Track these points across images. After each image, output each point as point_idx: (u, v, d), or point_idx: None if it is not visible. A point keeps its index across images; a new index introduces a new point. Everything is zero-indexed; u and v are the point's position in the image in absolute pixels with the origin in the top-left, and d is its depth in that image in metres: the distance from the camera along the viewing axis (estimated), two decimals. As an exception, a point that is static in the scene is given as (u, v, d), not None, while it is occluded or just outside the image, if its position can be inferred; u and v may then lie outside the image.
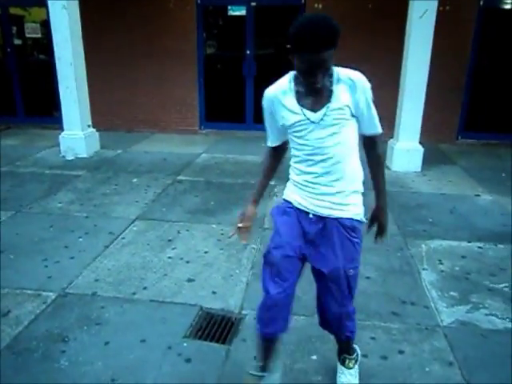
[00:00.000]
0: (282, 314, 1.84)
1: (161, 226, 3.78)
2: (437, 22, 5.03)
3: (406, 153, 5.46)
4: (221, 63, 7.34)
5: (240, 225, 1.91)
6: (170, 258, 3.24)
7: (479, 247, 3.48)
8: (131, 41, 7.05)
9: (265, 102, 1.75)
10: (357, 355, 2.09)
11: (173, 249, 3.37)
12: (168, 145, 6.58)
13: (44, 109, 7.74)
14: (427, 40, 5.06)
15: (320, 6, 6.53)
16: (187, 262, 3.18)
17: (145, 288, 2.84)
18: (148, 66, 7.15)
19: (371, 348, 2.32)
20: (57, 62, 5.66)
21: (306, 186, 1.75)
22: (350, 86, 1.63)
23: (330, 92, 1.62)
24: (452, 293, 2.84)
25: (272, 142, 1.87)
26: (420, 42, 5.09)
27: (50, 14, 5.50)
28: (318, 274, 1.82)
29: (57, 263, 3.16)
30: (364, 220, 1.86)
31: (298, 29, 1.48)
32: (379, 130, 1.78)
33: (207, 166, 5.54)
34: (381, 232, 2.02)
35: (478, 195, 4.68)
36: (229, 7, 6.92)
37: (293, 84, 1.67)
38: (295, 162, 1.78)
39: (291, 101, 1.66)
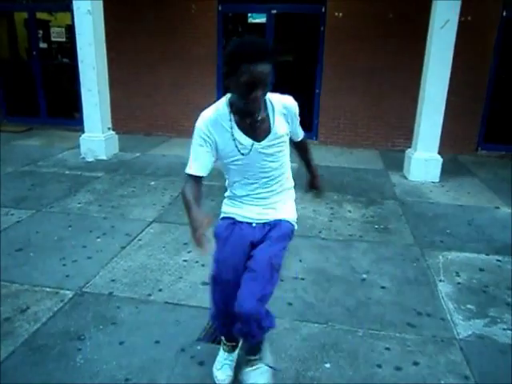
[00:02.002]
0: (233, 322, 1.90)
1: (177, 229, 3.81)
2: (458, 32, 5.00)
3: (424, 163, 5.40)
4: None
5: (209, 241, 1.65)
6: (185, 261, 3.26)
7: (498, 260, 3.42)
8: (152, 45, 7.17)
9: (202, 126, 1.68)
10: (260, 352, 2.00)
11: (188, 252, 3.39)
12: (185, 149, 6.56)
13: (66, 111, 7.91)
14: (448, 50, 5.03)
15: (340, 14, 6.54)
16: (202, 265, 3.20)
17: (160, 290, 2.87)
18: (168, 70, 7.25)
19: (385, 358, 2.29)
20: (80, 65, 5.78)
21: (247, 202, 1.87)
22: (285, 113, 1.75)
23: (270, 121, 1.71)
24: (469, 305, 2.80)
25: (197, 170, 1.72)
26: (441, 52, 5.06)
27: (75, 18, 5.64)
28: (247, 266, 1.80)
29: (75, 262, 3.21)
30: (296, 227, 1.98)
31: (236, 46, 1.55)
32: (302, 135, 2.00)
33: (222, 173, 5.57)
34: (319, 192, 2.26)
35: (498, 208, 4.60)
36: (249, 15, 6.99)
37: (229, 110, 1.69)
38: (234, 186, 1.86)
39: (233, 128, 1.70)
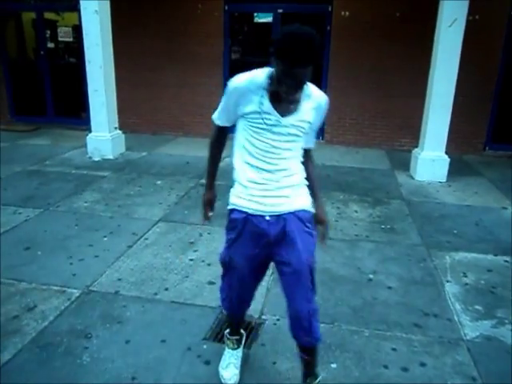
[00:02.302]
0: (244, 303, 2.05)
1: (183, 228, 3.82)
2: (466, 30, 4.96)
3: (431, 162, 5.37)
4: (246, 69, 7.35)
5: (210, 214, 2.10)
6: (191, 260, 3.27)
7: (505, 261, 3.40)
8: (158, 45, 7.19)
9: (233, 87, 1.72)
10: (319, 381, 1.99)
11: (194, 251, 3.40)
12: (191, 148, 6.65)
13: (72, 110, 7.95)
14: (456, 49, 5.00)
15: (347, 13, 6.52)
16: (208, 264, 3.21)
17: (166, 289, 2.88)
18: (174, 70, 7.27)
19: (392, 359, 2.28)
20: (87, 64, 5.81)
21: (257, 184, 1.76)
22: (316, 105, 1.75)
23: (300, 104, 1.70)
24: (476, 306, 2.78)
25: (222, 121, 1.86)
26: (448, 51, 5.03)
27: (82, 18, 5.66)
28: (283, 272, 1.81)
29: (81, 261, 3.23)
30: (313, 211, 1.91)
31: (287, 40, 1.50)
32: (314, 145, 1.95)
33: (229, 170, 5.55)
34: (325, 232, 1.95)
35: (505, 208, 4.57)
36: (255, 14, 6.99)
37: (268, 82, 1.67)
38: (246, 160, 1.77)
39: (263, 97, 1.67)
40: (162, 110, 7.52)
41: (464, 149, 6.63)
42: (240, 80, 1.71)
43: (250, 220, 1.78)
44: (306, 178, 1.90)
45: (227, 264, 1.92)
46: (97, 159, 5.95)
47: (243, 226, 1.80)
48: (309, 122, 1.75)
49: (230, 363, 2.13)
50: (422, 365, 2.25)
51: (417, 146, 5.69)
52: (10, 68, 7.99)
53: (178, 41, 7.11)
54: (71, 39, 7.69)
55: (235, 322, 2.17)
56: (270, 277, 3.05)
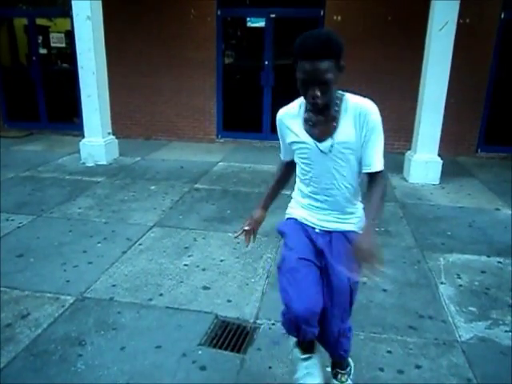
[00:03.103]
0: (312, 324, 1.72)
1: (177, 233, 3.81)
2: (457, 34, 5.01)
3: (424, 165, 5.41)
4: (239, 73, 7.42)
5: (247, 228, 1.94)
6: (186, 265, 3.26)
7: (499, 262, 3.42)
8: (151, 50, 7.19)
9: (277, 121, 1.79)
10: (350, 369, 2.04)
11: (189, 256, 3.39)
12: (185, 153, 6.65)
13: (65, 116, 7.92)
14: (447, 52, 5.04)
15: (339, 18, 6.56)
16: (203, 269, 3.20)
17: (161, 294, 2.86)
18: (167, 75, 7.27)
19: (387, 361, 2.29)
20: (79, 70, 5.80)
21: (311, 208, 1.80)
22: (355, 117, 1.59)
23: (337, 122, 1.60)
24: (471, 308, 2.79)
25: (284, 157, 1.91)
26: (440, 54, 5.07)
27: (75, 24, 5.66)
28: (327, 284, 1.75)
29: (75, 267, 3.21)
30: None
31: (299, 39, 1.53)
32: (378, 167, 1.62)
33: (224, 175, 5.58)
34: (366, 264, 1.51)
35: (498, 209, 4.60)
36: (248, 19, 7.02)
37: (303, 110, 1.68)
38: (300, 182, 1.82)
39: (298, 126, 1.69)
40: (156, 114, 7.51)
41: (457, 151, 6.68)
42: (280, 113, 1.76)
43: (301, 224, 1.82)
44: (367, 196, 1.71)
45: (281, 265, 1.76)
46: (90, 165, 5.92)
47: (297, 225, 1.81)
48: (352, 142, 1.60)
49: (306, 374, 1.89)
50: (418, 367, 2.25)
51: (410, 149, 5.72)
52: (2, 74, 7.95)
53: (171, 45, 7.12)
54: (64, 45, 7.68)
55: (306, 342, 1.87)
56: (265, 281, 3.05)
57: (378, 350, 2.38)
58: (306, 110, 1.67)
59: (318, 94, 1.50)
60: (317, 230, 1.78)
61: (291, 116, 1.71)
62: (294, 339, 1.94)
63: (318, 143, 1.63)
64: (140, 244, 3.60)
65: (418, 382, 2.16)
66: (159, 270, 3.19)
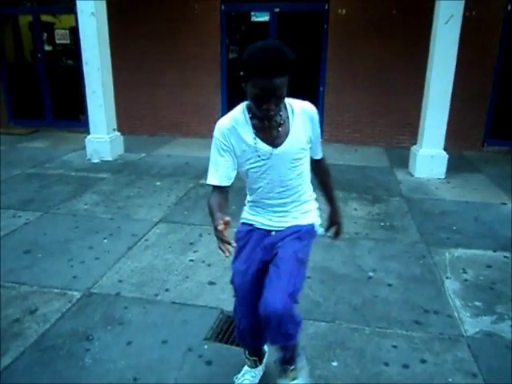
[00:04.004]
0: (258, 336, 1.90)
1: (183, 229, 3.83)
2: (462, 27, 4.97)
3: (429, 159, 5.38)
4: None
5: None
6: (191, 260, 3.28)
7: (505, 257, 3.40)
8: (155, 46, 7.19)
9: (219, 136, 1.65)
10: (301, 365, 1.98)
11: (194, 252, 3.41)
12: (190, 149, 6.66)
13: (71, 112, 7.95)
14: (452, 46, 5.00)
15: (344, 11, 6.52)
16: (208, 265, 3.21)
17: (167, 290, 2.88)
18: (171, 71, 7.27)
19: (392, 356, 2.29)
20: (84, 67, 5.82)
21: (266, 211, 1.82)
22: (305, 118, 1.68)
23: (288, 126, 1.65)
24: (476, 302, 2.79)
25: (221, 180, 1.66)
26: (445, 47, 5.03)
27: (79, 21, 5.66)
28: (269, 269, 1.73)
29: (82, 263, 3.24)
30: (320, 231, 1.92)
31: (250, 54, 1.47)
32: (322, 154, 1.92)
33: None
34: (339, 232, 2.06)
35: (504, 203, 4.57)
36: (252, 13, 6.99)
37: (248, 116, 1.63)
38: (252, 193, 1.82)
39: (249, 134, 1.64)
40: (161, 110, 7.52)
41: (462, 145, 6.64)
42: (225, 123, 1.65)
43: (256, 231, 1.83)
44: (322, 186, 2.00)
45: (232, 281, 1.85)
46: (96, 161, 5.95)
47: (250, 237, 1.83)
48: (305, 141, 1.70)
49: (244, 380, 2.02)
50: (423, 362, 2.26)
51: (415, 143, 5.70)
52: (7, 71, 7.98)
53: (175, 41, 7.11)
54: (68, 41, 7.69)
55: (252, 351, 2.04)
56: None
57: (383, 344, 2.38)
58: (253, 117, 1.63)
59: (273, 107, 1.52)
60: (273, 233, 1.81)
61: (241, 124, 1.64)
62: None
63: (273, 149, 1.65)
64: (146, 240, 3.62)
65: (422, 376, 2.16)
66: (165, 265, 3.21)
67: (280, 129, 1.64)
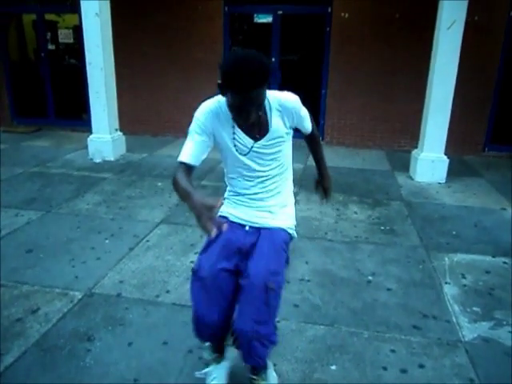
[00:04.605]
0: (216, 333, 1.86)
1: (184, 230, 3.85)
2: (465, 32, 4.99)
3: (430, 163, 5.40)
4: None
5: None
6: (192, 262, 3.29)
7: (504, 262, 3.42)
8: (158, 47, 7.22)
9: (201, 117, 1.69)
10: (267, 373, 1.94)
11: (195, 253, 3.42)
12: (192, 150, 6.67)
13: (73, 112, 7.98)
14: (455, 51, 5.02)
15: (346, 15, 6.54)
16: (209, 267, 3.23)
17: (168, 291, 2.91)
18: (174, 71, 7.30)
19: (391, 361, 2.31)
20: (87, 67, 5.84)
21: (243, 202, 1.83)
22: (282, 110, 1.70)
23: (267, 119, 1.68)
24: (475, 308, 2.81)
25: (191, 159, 1.69)
26: (447, 52, 5.05)
27: (83, 21, 5.69)
28: (240, 286, 1.72)
29: (83, 263, 3.26)
30: (295, 235, 1.92)
31: (227, 68, 1.47)
32: (312, 128, 1.94)
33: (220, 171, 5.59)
34: (326, 194, 2.18)
35: (504, 209, 4.59)
36: (255, 15, 7.02)
37: (226, 110, 1.63)
38: (231, 183, 1.84)
39: (230, 123, 1.67)
40: (163, 111, 7.54)
41: (463, 150, 6.66)
42: (208, 107, 1.70)
43: (229, 225, 1.66)
44: (312, 151, 2.11)
45: (196, 270, 1.77)
46: (98, 161, 5.97)
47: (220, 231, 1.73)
48: (285, 133, 1.73)
49: (215, 377, 2.00)
50: (421, 366, 2.28)
51: (416, 147, 5.71)
52: (10, 69, 8.02)
53: (178, 43, 7.14)
54: (72, 40, 7.72)
55: (212, 345, 2.00)
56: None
57: (382, 349, 2.40)
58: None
59: (252, 116, 1.55)
60: (246, 228, 1.82)
61: (224, 112, 1.66)
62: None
63: (254, 142, 1.69)
64: (147, 241, 3.64)
65: (420, 381, 2.18)
66: (166, 266, 3.23)
67: (259, 124, 1.67)
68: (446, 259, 3.45)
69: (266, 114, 1.68)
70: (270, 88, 1.60)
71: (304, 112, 1.82)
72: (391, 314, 2.72)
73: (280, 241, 1.78)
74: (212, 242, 1.77)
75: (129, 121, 7.13)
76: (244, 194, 1.83)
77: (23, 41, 8.29)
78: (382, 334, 2.52)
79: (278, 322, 2.57)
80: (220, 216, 1.85)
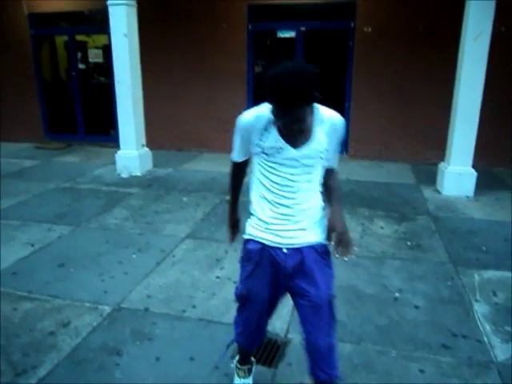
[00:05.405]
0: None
1: (209, 245, 3.90)
2: (492, 42, 4.92)
3: (457, 177, 5.30)
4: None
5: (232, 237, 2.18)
6: (217, 277, 3.33)
7: (537, 279, 3.32)
8: (184, 62, 7.39)
9: (242, 124, 1.75)
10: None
11: (221, 269, 3.46)
12: (216, 164, 6.76)
13: (102, 128, 8.23)
14: (481, 62, 4.95)
15: (370, 29, 6.55)
16: (234, 282, 3.24)
17: (194, 306, 2.94)
18: (199, 86, 7.44)
19: (419, 381, 2.27)
20: (116, 85, 6.04)
21: (275, 218, 1.76)
22: (330, 128, 1.71)
23: (311, 132, 1.68)
24: (507, 327, 2.73)
25: (238, 157, 1.88)
26: (474, 64, 4.99)
27: (112, 42, 5.90)
28: (300, 305, 1.82)
29: (112, 278, 3.34)
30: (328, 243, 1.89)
31: (271, 78, 1.47)
32: (336, 166, 1.91)
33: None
34: (343, 244, 1.78)
35: (536, 223, 4.46)
36: (278, 31, 7.12)
37: (274, 117, 1.62)
38: (262, 195, 1.77)
39: (272, 131, 1.67)
40: (188, 125, 7.68)
41: (492, 161, 6.50)
42: (247, 118, 1.73)
43: (267, 251, 1.77)
44: (325, 188, 1.89)
45: (244, 298, 1.89)
46: (125, 176, 6.13)
47: (260, 257, 1.78)
48: (325, 149, 1.72)
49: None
50: (451, 387, 2.23)
51: (443, 160, 5.63)
52: (43, 88, 8.36)
53: (202, 58, 7.29)
54: (101, 60, 8.00)
55: (247, 354, 2.17)
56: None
57: (410, 368, 2.36)
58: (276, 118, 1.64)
59: (296, 128, 1.60)
60: (284, 251, 1.75)
61: (264, 120, 1.67)
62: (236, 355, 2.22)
63: (293, 149, 1.67)
64: (173, 255, 3.70)
65: (451, 402, 2.13)
66: (192, 281, 3.27)
67: (302, 133, 1.66)
68: (476, 276, 3.37)
69: (311, 124, 1.68)
70: (318, 99, 1.59)
71: (340, 143, 1.82)
72: (419, 332, 2.67)
73: (323, 254, 1.80)
74: (254, 268, 1.82)
75: (154, 135, 7.28)
76: (273, 208, 1.76)
77: (55, 61, 8.64)
78: (410, 353, 2.48)
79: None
80: (253, 241, 1.81)
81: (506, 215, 4.68)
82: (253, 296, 1.85)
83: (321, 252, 1.79)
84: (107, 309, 2.92)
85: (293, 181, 1.72)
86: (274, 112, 1.56)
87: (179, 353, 2.48)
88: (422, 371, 2.34)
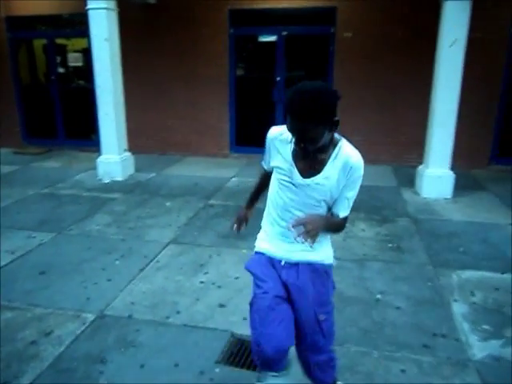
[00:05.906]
0: (281, 359, 1.77)
1: (193, 250, 3.90)
2: (468, 48, 5.05)
3: (436, 179, 5.43)
4: (251, 89, 7.55)
5: (235, 225, 2.19)
6: (202, 282, 3.34)
7: (513, 279, 3.42)
8: (165, 66, 7.36)
9: (268, 139, 1.79)
10: None
11: (205, 273, 3.47)
12: (199, 168, 6.76)
13: (82, 132, 8.13)
14: (457, 68, 5.08)
15: (350, 34, 6.65)
16: (219, 286, 3.27)
17: (178, 312, 2.94)
18: (181, 90, 7.43)
19: (401, 380, 2.32)
20: (97, 89, 5.98)
21: (276, 234, 1.82)
22: (342, 165, 1.63)
23: (323, 165, 1.64)
24: (485, 326, 2.81)
25: (268, 167, 1.90)
26: (450, 70, 5.11)
27: (92, 46, 5.85)
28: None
29: (95, 285, 3.31)
30: (334, 263, 1.94)
31: (289, 93, 1.50)
32: (342, 214, 1.75)
33: (238, 190, 5.66)
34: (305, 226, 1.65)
35: (512, 224, 4.59)
36: (259, 36, 7.18)
37: (291, 138, 1.63)
38: (269, 211, 1.85)
39: (287, 154, 1.69)
40: (170, 130, 7.66)
41: (469, 164, 6.67)
42: (271, 133, 1.77)
43: (269, 257, 1.86)
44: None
45: (252, 303, 1.83)
46: (107, 181, 6.07)
47: (264, 259, 1.88)
48: (329, 189, 1.66)
49: None
50: (432, 386, 2.28)
51: (422, 163, 5.74)
52: (21, 92, 8.21)
53: (185, 62, 7.29)
54: (81, 64, 7.91)
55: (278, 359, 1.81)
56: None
57: (392, 368, 2.41)
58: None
59: (308, 146, 1.55)
60: (282, 263, 1.81)
61: (283, 141, 1.70)
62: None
63: (301, 177, 1.67)
64: (157, 261, 3.68)
65: (431, 401, 2.19)
66: (176, 287, 3.27)
67: (314, 164, 1.64)
68: (455, 276, 3.46)
69: (327, 158, 1.64)
70: (336, 125, 1.56)
71: (354, 189, 1.71)
72: (401, 333, 2.73)
73: (321, 272, 1.83)
74: (261, 277, 1.83)
75: (136, 139, 7.23)
76: (279, 225, 1.80)
77: (34, 64, 8.50)
78: (392, 354, 2.53)
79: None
80: (257, 253, 1.91)
81: (484, 216, 4.80)
82: (259, 293, 1.79)
83: (318, 271, 1.82)
84: (90, 316, 2.89)
85: (292, 207, 1.72)
86: (288, 126, 1.56)
87: (164, 359, 2.48)
88: (403, 371, 2.39)
